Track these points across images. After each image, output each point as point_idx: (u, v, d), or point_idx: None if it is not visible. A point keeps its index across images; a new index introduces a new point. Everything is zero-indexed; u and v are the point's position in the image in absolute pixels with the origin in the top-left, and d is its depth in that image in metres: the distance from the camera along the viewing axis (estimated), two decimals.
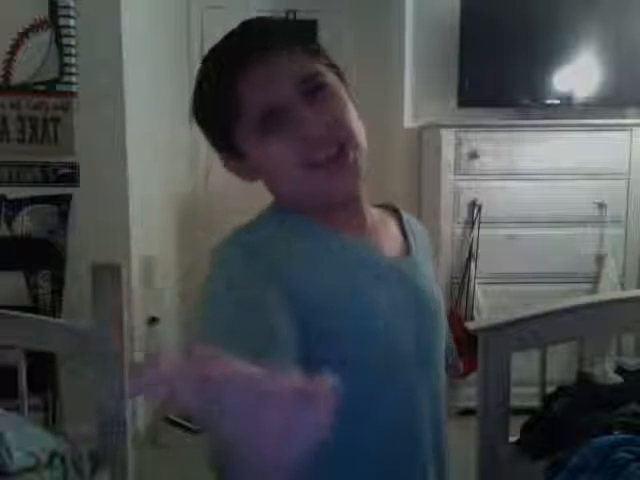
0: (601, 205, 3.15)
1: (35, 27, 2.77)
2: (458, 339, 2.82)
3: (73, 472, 1.68)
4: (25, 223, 2.86)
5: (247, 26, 0.84)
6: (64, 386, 2.67)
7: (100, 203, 2.85)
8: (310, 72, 0.81)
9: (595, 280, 3.17)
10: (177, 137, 3.64)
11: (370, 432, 0.81)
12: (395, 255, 0.91)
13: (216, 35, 0.86)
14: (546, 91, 3.29)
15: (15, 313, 1.92)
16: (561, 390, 2.01)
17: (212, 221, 3.62)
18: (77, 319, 2.17)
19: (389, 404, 0.82)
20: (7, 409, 1.85)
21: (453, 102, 3.33)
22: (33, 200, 2.86)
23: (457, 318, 3.00)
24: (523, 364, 2.05)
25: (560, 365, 2.22)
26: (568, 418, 1.82)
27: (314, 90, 0.81)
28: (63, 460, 1.67)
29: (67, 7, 2.76)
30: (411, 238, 0.95)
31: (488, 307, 3.13)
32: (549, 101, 3.30)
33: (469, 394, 2.67)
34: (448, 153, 3.14)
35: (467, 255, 3.15)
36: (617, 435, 1.56)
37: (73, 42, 2.79)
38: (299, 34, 0.86)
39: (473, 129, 3.16)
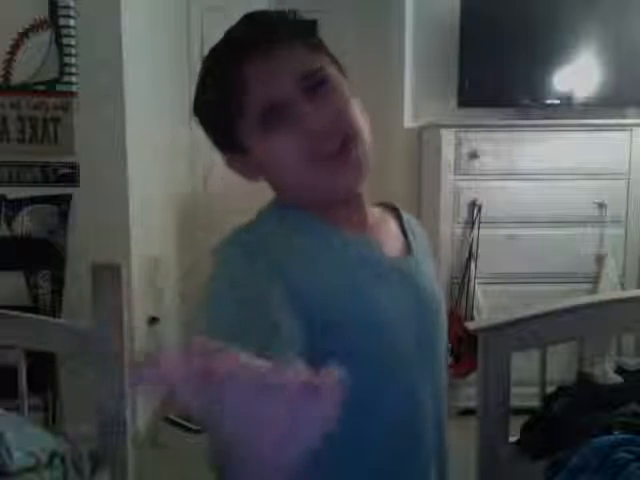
0: (601, 205, 3.15)
1: (35, 27, 2.77)
2: (458, 339, 2.83)
3: (73, 472, 1.68)
4: (25, 223, 2.86)
5: (249, 20, 0.83)
6: (64, 386, 2.67)
7: (100, 203, 2.85)
8: (312, 67, 0.81)
9: (595, 280, 3.17)
10: (177, 137, 3.65)
11: (374, 427, 0.81)
12: (396, 254, 0.91)
13: (216, 36, 0.85)
14: (546, 91, 3.29)
15: (15, 313, 1.92)
16: (561, 390, 2.01)
17: (212, 221, 3.62)
18: (77, 319, 2.17)
19: (392, 401, 0.82)
20: (7, 409, 1.85)
21: (453, 102, 3.33)
22: (33, 200, 2.86)
23: (457, 318, 3.00)
24: (523, 364, 2.05)
25: (560, 365, 2.22)
26: (568, 418, 1.82)
27: (316, 85, 0.81)
28: (63, 460, 1.67)
29: (67, 7, 2.76)
30: (411, 237, 0.95)
31: (488, 307, 3.13)
32: (549, 101, 3.30)
33: (469, 394, 2.67)
34: (448, 153, 3.15)
35: (467, 255, 3.15)
36: (617, 435, 1.56)
37: (73, 42, 2.79)
38: (301, 28, 0.85)
39: (473, 129, 3.16)
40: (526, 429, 1.93)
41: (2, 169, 2.85)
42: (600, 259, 3.17)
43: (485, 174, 3.15)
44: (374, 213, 0.93)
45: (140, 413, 3.02)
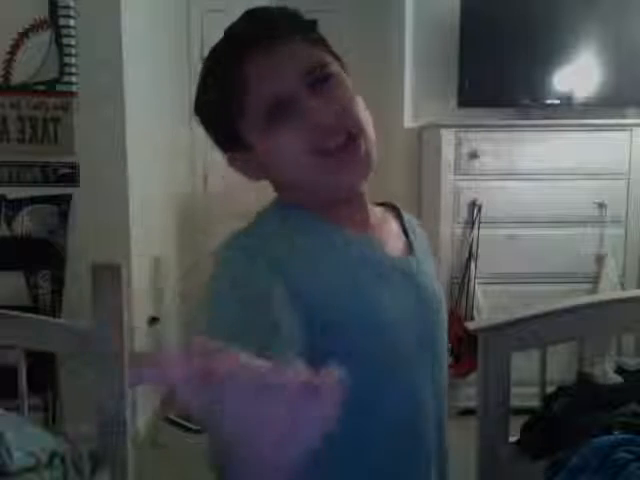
0: (601, 205, 3.15)
1: (35, 27, 2.77)
2: (458, 339, 2.83)
3: (73, 472, 1.68)
4: (25, 223, 2.86)
5: (250, 16, 0.83)
6: (64, 386, 2.67)
7: (100, 203, 2.85)
8: (316, 63, 0.81)
9: (595, 280, 3.17)
10: (177, 137, 3.65)
11: (374, 427, 0.81)
12: (397, 254, 0.91)
13: (216, 37, 0.85)
14: (546, 91, 3.29)
15: (15, 313, 1.92)
16: (561, 390, 2.01)
17: (211, 222, 3.63)
18: (77, 319, 2.16)
19: (393, 401, 0.82)
20: (7, 409, 1.85)
21: (453, 102, 3.33)
22: (33, 200, 2.86)
23: (457, 318, 3.00)
24: (523, 364, 2.05)
25: (560, 365, 2.22)
26: (568, 418, 1.82)
27: (320, 81, 0.80)
28: (63, 460, 1.67)
29: (67, 7, 2.76)
30: (412, 237, 0.95)
31: (488, 307, 3.13)
32: (549, 101, 3.30)
33: (469, 394, 2.67)
34: (448, 153, 3.15)
35: (467, 255, 3.15)
36: (617, 435, 1.56)
37: (73, 42, 2.79)
38: (302, 23, 0.85)
39: (473, 129, 3.16)
40: (526, 429, 1.93)
41: (2, 169, 2.85)
42: (600, 259, 3.17)
43: (485, 174, 3.15)
44: (376, 213, 0.93)
45: (140, 413, 3.02)
